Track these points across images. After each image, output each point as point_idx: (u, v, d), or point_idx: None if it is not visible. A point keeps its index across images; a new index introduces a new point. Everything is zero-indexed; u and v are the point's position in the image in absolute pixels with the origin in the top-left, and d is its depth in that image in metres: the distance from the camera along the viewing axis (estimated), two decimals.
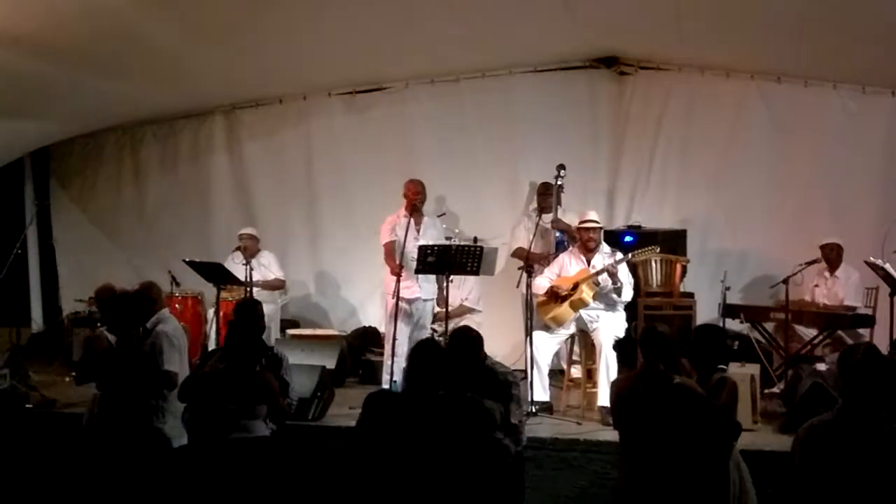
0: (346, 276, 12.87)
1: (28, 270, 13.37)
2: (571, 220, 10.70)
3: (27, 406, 9.69)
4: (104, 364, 7.90)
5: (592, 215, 10.06)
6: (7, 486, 8.43)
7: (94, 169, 13.65)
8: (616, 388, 6.97)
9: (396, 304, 10.13)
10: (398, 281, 10.08)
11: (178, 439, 7.76)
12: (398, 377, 9.64)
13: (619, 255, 9.90)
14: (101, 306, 8.94)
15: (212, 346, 11.11)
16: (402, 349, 9.89)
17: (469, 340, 7.29)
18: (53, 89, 10.38)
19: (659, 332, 6.77)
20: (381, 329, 11.50)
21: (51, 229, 13.73)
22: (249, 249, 11.70)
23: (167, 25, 9.22)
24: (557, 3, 9.74)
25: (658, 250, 9.95)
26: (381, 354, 10.80)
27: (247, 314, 7.83)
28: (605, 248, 10.06)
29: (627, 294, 9.86)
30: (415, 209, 10.46)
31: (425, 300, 10.61)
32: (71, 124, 12.57)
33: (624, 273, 9.85)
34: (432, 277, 10.56)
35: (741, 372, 9.02)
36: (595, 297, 9.70)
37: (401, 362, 9.38)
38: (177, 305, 11.90)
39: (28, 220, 13.16)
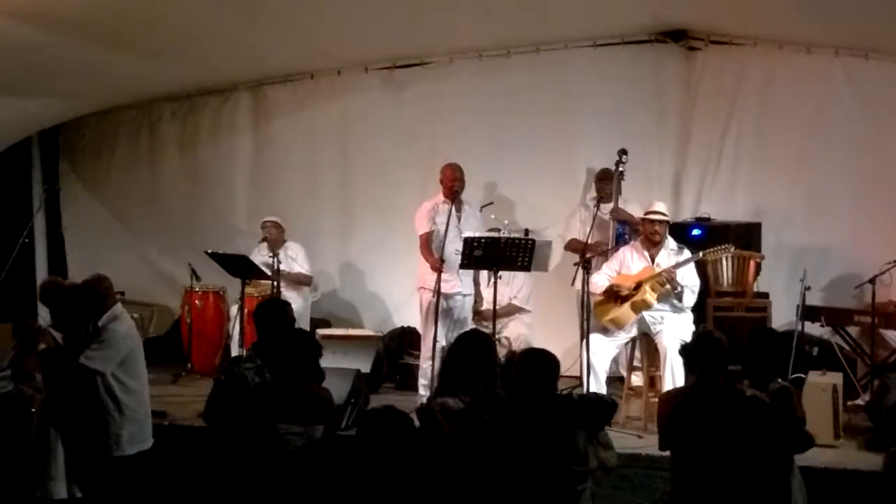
0: (382, 270, 12.88)
1: (35, 261, 13.45)
2: (633, 210, 10.69)
3: (33, 410, 9.74)
4: (47, 365, 7.97)
5: (660, 206, 10.04)
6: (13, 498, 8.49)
7: (108, 150, 13.74)
8: (669, 403, 6.92)
9: (437, 302, 10.15)
10: (439, 276, 10.09)
11: (136, 445, 7.89)
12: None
13: (687, 254, 9.85)
14: (47, 302, 8.91)
15: (234, 345, 11.17)
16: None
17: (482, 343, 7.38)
18: (63, 64, 10.46)
19: (717, 339, 6.77)
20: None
21: (60, 216, 13.84)
22: (274, 239, 11.73)
23: None
24: None
25: (732, 250, 9.90)
26: (420, 357, 10.83)
27: (276, 315, 7.80)
28: (670, 243, 10.03)
29: (689, 299, 9.83)
30: (453, 196, 10.46)
31: (465, 295, 10.62)
32: (82, 102, 12.67)
33: (690, 274, 9.81)
34: (469, 271, 10.56)
35: (822, 381, 8.97)
36: (659, 299, 9.67)
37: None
38: (197, 301, 12.03)
39: (36, 206, 13.25)
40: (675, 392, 7.32)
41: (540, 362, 6.49)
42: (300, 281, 11.98)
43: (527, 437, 6.17)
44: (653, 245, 9.95)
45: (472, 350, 7.27)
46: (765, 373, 6.78)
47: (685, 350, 7.05)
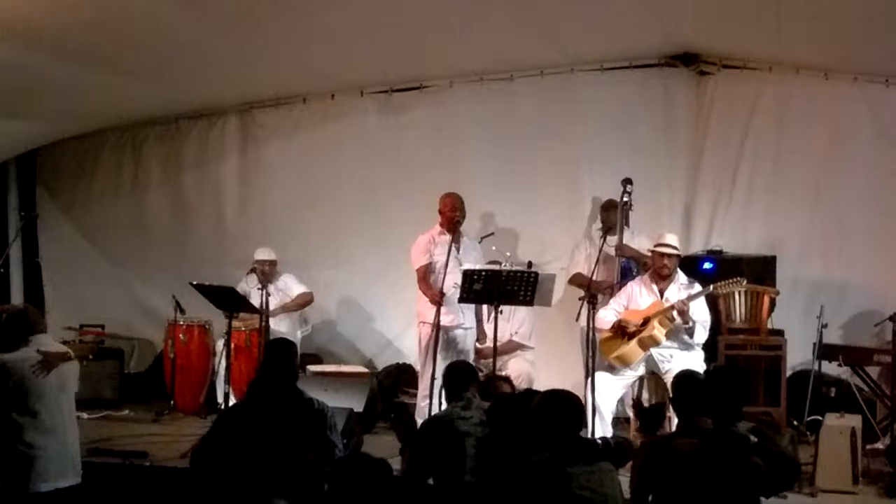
0: (378, 303, 12.90)
1: (10, 292, 13.44)
2: (641, 243, 10.69)
3: None
4: None
5: (670, 238, 10.07)
6: None
7: (88, 176, 13.76)
8: (659, 453, 6.80)
9: (437, 336, 10.19)
10: (438, 309, 10.12)
11: (42, 483, 7.88)
12: None
13: (697, 288, 9.88)
14: None
15: (220, 382, 11.17)
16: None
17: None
18: (43, 84, 10.47)
19: (698, 381, 6.82)
20: (418, 366, 11.48)
21: (37, 245, 13.83)
22: (268, 275, 11.77)
23: (177, 12, 9.28)
24: None
25: (745, 283, 9.91)
26: (417, 395, 10.83)
27: (277, 356, 7.76)
28: (681, 277, 10.06)
29: (701, 336, 9.87)
30: (453, 228, 10.50)
31: (467, 328, 10.67)
32: (62, 124, 12.68)
33: (700, 309, 9.85)
34: (471, 305, 10.59)
35: (839, 424, 8.97)
36: (668, 335, 9.70)
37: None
38: (181, 335, 11.99)
39: (12, 234, 13.24)
40: (661, 442, 7.19)
41: (566, 406, 6.41)
42: (303, 303, 12.07)
43: (562, 491, 6.09)
44: (662, 279, 9.98)
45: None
46: (730, 413, 6.80)
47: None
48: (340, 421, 9.36)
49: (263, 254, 11.91)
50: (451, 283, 10.24)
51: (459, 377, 7.82)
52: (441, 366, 10.15)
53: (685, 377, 6.96)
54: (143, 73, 10.78)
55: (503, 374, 10.61)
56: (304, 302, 12.08)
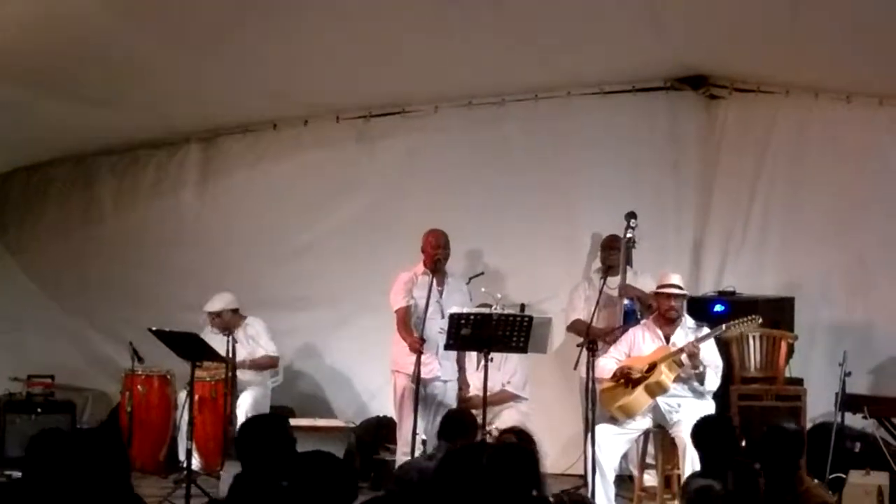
0: (355, 350, 12.84)
1: None
2: (646, 284, 10.74)
3: None
4: None
5: (675, 278, 10.12)
6: None
7: (36, 212, 13.73)
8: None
9: (417, 388, 10.18)
10: (419, 358, 10.14)
11: None
12: None
13: (706, 330, 9.91)
14: None
15: (182, 438, 11.12)
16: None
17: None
18: None
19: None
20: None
21: None
22: (231, 325, 11.73)
23: (133, 31, 9.30)
24: (637, 10, 9.78)
25: (760, 321, 9.95)
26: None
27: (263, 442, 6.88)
28: (688, 321, 10.10)
29: (712, 382, 9.90)
30: (436, 267, 10.52)
31: (445, 381, 10.67)
32: (6, 155, 12.66)
33: (711, 352, 9.89)
34: (452, 354, 10.61)
35: (865, 482, 9.01)
36: (677, 380, 9.73)
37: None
38: (139, 386, 11.91)
39: None
40: None
41: (516, 461, 6.34)
42: (263, 366, 11.98)
43: None
44: (668, 323, 10.02)
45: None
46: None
47: None
48: None
49: (217, 304, 11.88)
50: (434, 328, 10.27)
51: (452, 428, 7.85)
52: (421, 420, 10.20)
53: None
54: (96, 98, 10.78)
55: (493, 427, 10.64)
56: (264, 365, 12.01)
